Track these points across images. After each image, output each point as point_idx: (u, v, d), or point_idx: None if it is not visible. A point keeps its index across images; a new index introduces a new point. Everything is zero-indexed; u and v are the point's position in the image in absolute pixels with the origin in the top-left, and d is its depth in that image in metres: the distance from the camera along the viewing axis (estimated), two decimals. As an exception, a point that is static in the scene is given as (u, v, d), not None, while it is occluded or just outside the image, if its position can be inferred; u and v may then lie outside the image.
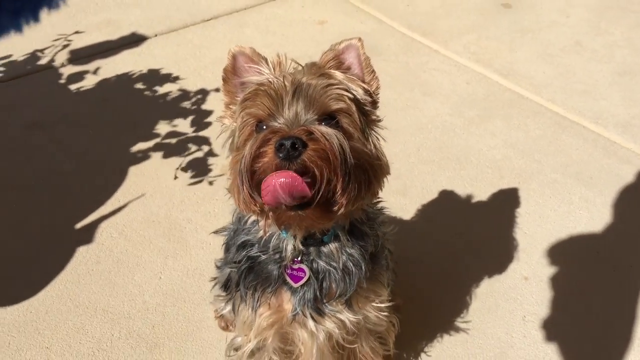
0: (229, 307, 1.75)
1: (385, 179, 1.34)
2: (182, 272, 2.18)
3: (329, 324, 1.46)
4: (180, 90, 3.20)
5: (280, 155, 1.12)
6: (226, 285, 1.72)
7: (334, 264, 1.40)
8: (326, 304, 1.44)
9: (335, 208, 1.20)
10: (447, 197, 2.57)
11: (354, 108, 1.26)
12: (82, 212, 2.40)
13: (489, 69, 3.40)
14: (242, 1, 3.99)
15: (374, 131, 1.35)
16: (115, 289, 2.11)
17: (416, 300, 2.10)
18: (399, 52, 3.54)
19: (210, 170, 2.65)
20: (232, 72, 1.37)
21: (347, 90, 1.27)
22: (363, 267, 1.42)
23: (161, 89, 3.20)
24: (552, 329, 2.03)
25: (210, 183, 2.58)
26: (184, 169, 2.65)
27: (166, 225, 2.36)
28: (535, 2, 4.08)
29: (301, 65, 1.35)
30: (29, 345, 1.91)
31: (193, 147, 2.79)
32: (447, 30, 3.77)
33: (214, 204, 2.45)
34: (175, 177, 2.60)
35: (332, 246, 1.40)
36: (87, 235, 2.30)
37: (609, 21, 3.89)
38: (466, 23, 3.85)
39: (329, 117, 1.24)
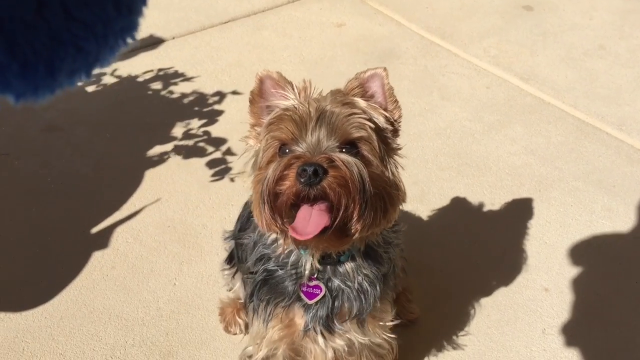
0: (237, 284, 1.83)
1: (401, 206, 1.37)
2: (197, 279, 2.17)
3: (339, 342, 1.48)
4: (197, 92, 3.19)
5: (302, 180, 1.17)
6: (230, 258, 1.82)
7: (349, 283, 1.43)
8: (336, 323, 1.46)
9: (351, 233, 1.24)
10: (465, 205, 2.52)
11: (374, 136, 1.30)
12: (98, 216, 2.40)
13: (510, 73, 3.34)
14: (259, 3, 3.97)
15: (393, 159, 1.37)
16: (129, 295, 2.10)
17: (433, 309, 2.07)
18: (418, 55, 3.50)
19: (230, 168, 2.64)
20: (258, 95, 1.41)
21: (369, 120, 1.30)
22: (378, 288, 1.45)
23: (178, 92, 3.19)
24: (573, 342, 1.98)
25: (232, 180, 2.57)
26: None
27: (181, 231, 2.35)
28: (557, 5, 4.01)
29: (327, 93, 1.37)
30: (43, 351, 1.91)
31: (210, 149, 2.78)
32: (466, 33, 3.72)
33: (230, 210, 2.44)
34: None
35: (348, 266, 1.43)
36: (102, 240, 2.30)
37: (633, 24, 3.81)
38: (486, 26, 3.80)
39: (350, 145, 1.27)
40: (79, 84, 0.53)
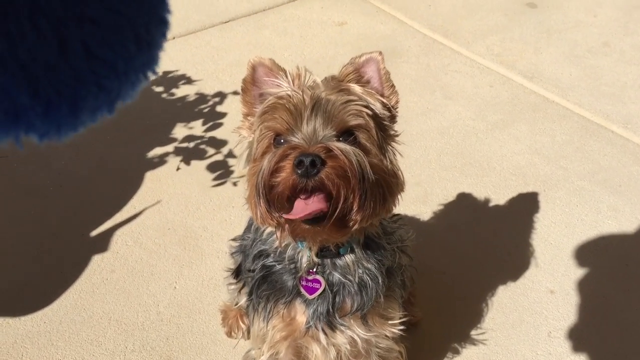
0: (244, 298, 1.74)
1: (400, 196, 1.32)
2: (197, 282, 2.14)
3: (340, 339, 1.43)
4: (197, 93, 3.16)
5: (299, 171, 1.12)
6: (237, 273, 1.75)
7: (350, 277, 1.38)
8: (337, 319, 1.41)
9: (350, 224, 1.20)
10: (469, 205, 2.49)
11: (372, 124, 1.25)
12: (97, 219, 2.38)
13: (513, 71, 3.31)
14: (260, 2, 3.94)
15: (391, 146, 1.33)
16: (129, 299, 2.08)
17: (436, 313, 2.04)
18: (420, 54, 3.46)
19: (231, 172, 2.62)
20: (251, 83, 1.37)
21: (366, 106, 1.26)
22: (380, 281, 1.40)
23: (179, 92, 3.16)
24: (580, 345, 1.95)
25: (235, 184, 2.55)
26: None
27: (182, 233, 2.33)
28: (561, 1, 3.97)
29: (321, 80, 1.33)
30: (42, 357, 1.89)
31: (211, 151, 2.76)
32: (469, 30, 3.68)
33: (230, 212, 2.41)
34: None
35: (348, 259, 1.38)
36: (102, 243, 2.27)
37: (637, 21, 3.77)
38: (489, 23, 3.76)
39: (347, 133, 1.23)
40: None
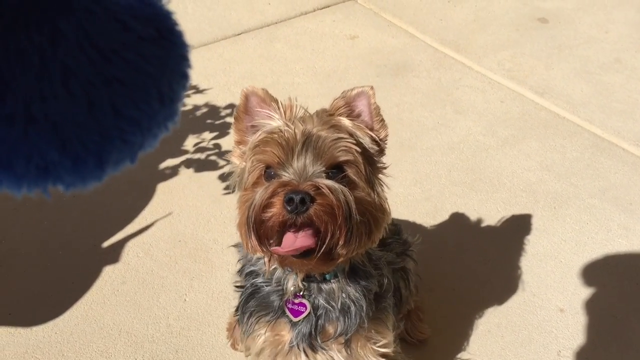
0: None
1: (386, 227, 1.37)
2: (207, 295, 2.15)
3: None
4: (209, 105, 3.19)
5: (289, 208, 1.18)
6: (241, 271, 1.77)
7: (333, 303, 1.42)
8: (319, 342, 1.45)
9: (336, 257, 1.25)
10: (478, 221, 2.49)
11: (360, 159, 1.30)
12: (109, 230, 2.40)
13: (524, 87, 3.31)
14: (272, 15, 3.97)
15: (379, 179, 1.37)
16: (140, 311, 2.09)
17: (445, 329, 2.04)
18: (431, 68, 3.48)
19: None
20: (243, 112, 1.40)
21: (355, 143, 1.30)
22: (364, 307, 1.43)
23: (190, 104, 3.19)
24: (589, 365, 1.94)
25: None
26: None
27: (192, 246, 2.34)
28: (573, 17, 3.98)
29: (309, 113, 1.37)
30: (53, 367, 1.91)
31: (222, 162, 2.78)
32: (481, 45, 3.69)
33: (241, 225, 2.42)
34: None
35: (334, 284, 1.42)
36: (113, 254, 2.29)
37: (650, 37, 3.76)
38: (501, 38, 3.77)
39: (337, 168, 1.27)
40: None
